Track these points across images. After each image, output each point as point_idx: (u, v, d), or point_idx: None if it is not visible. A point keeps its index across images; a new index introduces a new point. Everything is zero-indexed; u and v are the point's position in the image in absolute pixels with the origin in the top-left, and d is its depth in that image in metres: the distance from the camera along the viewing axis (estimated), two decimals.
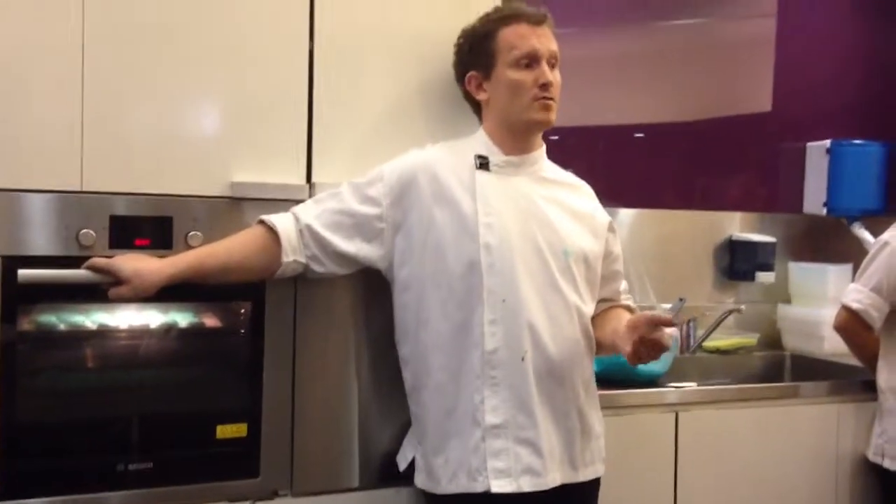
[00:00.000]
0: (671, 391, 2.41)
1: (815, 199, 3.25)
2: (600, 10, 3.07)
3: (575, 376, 1.74)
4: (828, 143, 3.22)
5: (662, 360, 2.53)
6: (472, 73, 1.77)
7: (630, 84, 3.13)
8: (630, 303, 1.92)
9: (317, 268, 1.72)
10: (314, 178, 1.81)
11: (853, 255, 2.98)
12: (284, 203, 1.77)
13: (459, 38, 1.80)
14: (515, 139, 1.76)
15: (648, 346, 1.63)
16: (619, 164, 3.07)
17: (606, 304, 1.88)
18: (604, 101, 3.08)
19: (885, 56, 3.49)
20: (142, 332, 1.71)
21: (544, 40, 1.73)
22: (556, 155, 1.88)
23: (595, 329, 1.82)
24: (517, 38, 1.72)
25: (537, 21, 1.74)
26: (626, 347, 1.65)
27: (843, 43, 3.44)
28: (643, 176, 3.12)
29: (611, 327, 1.79)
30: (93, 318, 1.67)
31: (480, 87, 1.77)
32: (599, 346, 1.82)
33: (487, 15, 1.77)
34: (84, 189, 1.64)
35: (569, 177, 1.87)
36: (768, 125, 3.32)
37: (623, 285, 1.92)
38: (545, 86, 1.71)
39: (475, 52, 1.76)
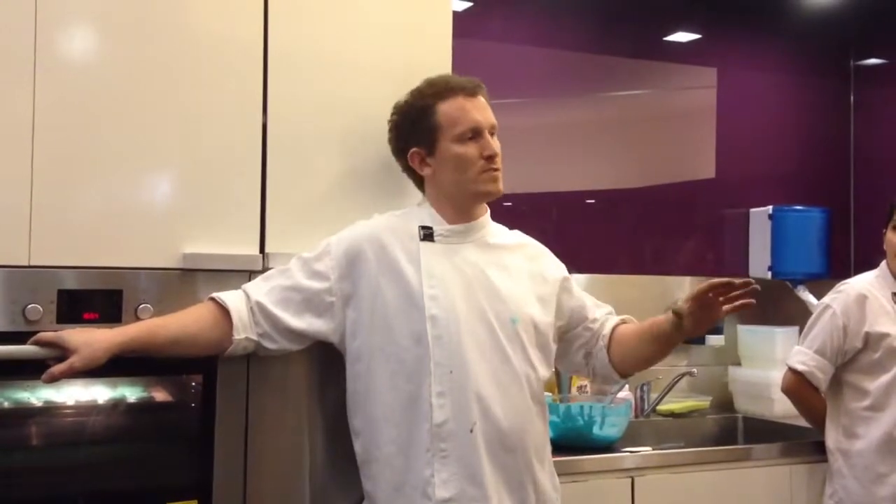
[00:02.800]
0: (627, 456, 2.42)
1: (759, 263, 3.33)
2: (554, 81, 3.17)
3: (527, 444, 1.73)
4: (770, 208, 3.33)
5: (616, 425, 2.55)
6: (414, 149, 1.77)
7: (581, 152, 3.22)
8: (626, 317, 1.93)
9: (269, 345, 1.71)
10: (268, 249, 1.81)
11: (799, 317, 3.05)
12: (238, 274, 1.76)
13: (394, 113, 1.81)
14: (460, 209, 1.78)
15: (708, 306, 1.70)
16: (571, 230, 3.13)
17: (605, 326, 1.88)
18: (556, 168, 3.16)
19: (821, 125, 3.64)
20: (89, 409, 1.68)
21: (484, 112, 1.76)
22: (508, 221, 1.91)
23: (623, 343, 1.84)
24: (457, 112, 1.74)
25: (472, 92, 1.76)
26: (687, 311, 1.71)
27: (780, 112, 3.59)
28: (595, 241, 3.18)
29: (644, 327, 1.84)
30: (38, 394, 1.63)
31: (424, 163, 1.78)
32: (643, 351, 1.84)
33: (421, 90, 1.78)
34: (31, 263, 1.63)
35: (516, 237, 1.88)
36: (713, 191, 3.42)
37: (605, 309, 1.92)
38: (491, 157, 1.74)
39: (416, 128, 1.77)
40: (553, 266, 1.87)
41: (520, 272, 1.80)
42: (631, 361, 1.87)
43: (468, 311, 1.71)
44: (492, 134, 1.76)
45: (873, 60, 3.66)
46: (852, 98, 3.69)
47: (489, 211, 1.85)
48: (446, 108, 1.74)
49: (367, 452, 1.73)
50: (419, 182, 1.84)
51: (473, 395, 1.68)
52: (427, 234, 1.75)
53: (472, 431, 1.67)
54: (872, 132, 3.62)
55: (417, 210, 1.81)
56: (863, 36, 3.67)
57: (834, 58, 3.69)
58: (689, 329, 1.76)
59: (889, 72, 3.62)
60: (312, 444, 1.83)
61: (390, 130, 1.83)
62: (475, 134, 1.74)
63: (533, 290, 1.80)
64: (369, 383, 1.72)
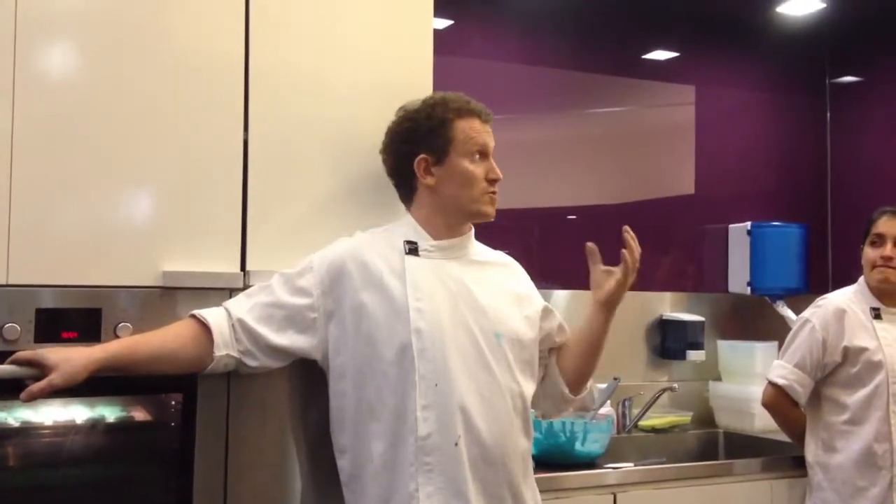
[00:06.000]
0: (609, 472, 2.42)
1: (739, 279, 3.36)
2: (534, 98, 3.19)
3: (509, 459, 1.73)
4: (748, 224, 3.36)
5: (598, 441, 2.55)
6: (423, 155, 1.78)
7: (561, 168, 3.24)
8: None
9: (250, 362, 1.70)
10: (249, 266, 1.81)
11: (778, 332, 3.07)
12: (218, 292, 1.75)
13: (406, 118, 1.81)
14: (448, 226, 1.80)
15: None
16: (553, 246, 3.14)
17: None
18: (537, 184, 3.17)
19: (798, 141, 3.69)
20: (67, 429, 1.66)
21: (491, 137, 1.82)
22: (491, 236, 1.92)
23: (570, 348, 1.90)
24: (473, 131, 1.78)
25: (486, 119, 1.82)
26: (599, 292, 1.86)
27: (757, 129, 3.63)
28: (576, 257, 3.18)
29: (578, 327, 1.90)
30: (15, 415, 1.61)
31: (428, 171, 1.78)
32: (583, 350, 1.89)
33: (439, 103, 1.80)
34: (9, 282, 1.61)
35: (498, 256, 1.90)
36: (692, 207, 3.45)
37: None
38: (494, 181, 1.79)
39: (431, 136, 1.78)
40: (536, 294, 1.90)
41: (503, 290, 1.82)
42: (573, 366, 1.90)
43: (453, 324, 1.71)
44: None
45: (848, 78, 3.72)
46: (828, 115, 3.74)
47: (473, 229, 1.86)
48: (463, 126, 1.78)
49: (355, 469, 1.72)
50: (407, 193, 1.83)
51: (457, 408, 1.68)
52: (412, 249, 1.76)
53: (456, 445, 1.66)
54: (848, 148, 3.67)
55: (400, 226, 1.81)
56: (838, 54, 3.72)
57: (810, 75, 3.74)
58: (603, 291, 1.86)
59: (863, 89, 3.68)
60: (294, 462, 1.81)
61: (398, 132, 1.82)
62: (483, 155, 1.79)
63: (517, 308, 1.81)
64: (357, 399, 1.71)
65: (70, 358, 1.55)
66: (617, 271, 1.86)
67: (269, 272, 1.77)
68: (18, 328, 1.59)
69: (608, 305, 1.88)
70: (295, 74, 1.88)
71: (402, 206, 1.86)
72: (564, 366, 1.90)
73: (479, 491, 1.68)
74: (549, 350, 1.90)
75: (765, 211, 3.49)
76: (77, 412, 1.66)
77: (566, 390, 1.89)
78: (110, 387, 1.63)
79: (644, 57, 3.44)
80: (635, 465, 2.51)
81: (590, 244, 1.88)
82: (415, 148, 1.79)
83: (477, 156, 1.78)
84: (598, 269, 1.89)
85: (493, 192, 1.80)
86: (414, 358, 1.67)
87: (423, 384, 1.67)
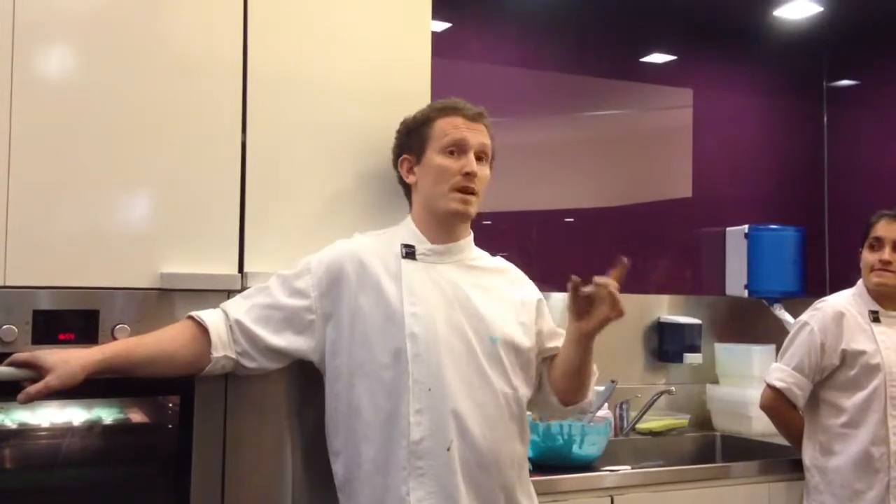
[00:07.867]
0: (606, 475, 2.42)
1: (736, 282, 3.37)
2: (532, 101, 3.20)
3: (504, 465, 1.73)
4: (745, 227, 3.36)
5: (596, 443, 2.55)
6: (405, 156, 1.82)
7: (559, 171, 3.24)
8: None
9: (247, 363, 1.70)
10: (247, 268, 1.80)
11: (775, 335, 3.08)
12: (216, 293, 1.75)
13: (400, 124, 1.85)
14: (440, 227, 1.79)
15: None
16: (550, 249, 3.14)
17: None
18: (535, 186, 3.18)
19: (795, 145, 3.70)
20: (64, 431, 1.65)
21: (476, 134, 1.79)
22: (488, 239, 1.92)
23: (557, 367, 1.82)
24: (450, 127, 1.78)
25: (473, 117, 1.80)
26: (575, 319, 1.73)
27: (755, 133, 3.64)
28: (573, 260, 3.19)
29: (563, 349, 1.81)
30: (13, 416, 1.61)
31: (411, 171, 1.82)
32: (568, 373, 1.80)
33: (429, 105, 1.84)
34: (6, 284, 1.61)
35: (497, 262, 1.89)
36: (690, 210, 3.46)
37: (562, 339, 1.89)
38: (468, 175, 1.75)
39: (411, 136, 1.82)
40: (532, 292, 1.88)
41: (500, 295, 1.81)
42: (560, 380, 1.82)
43: (448, 328, 1.71)
44: (481, 159, 1.78)
45: (845, 82, 3.73)
46: (825, 118, 3.75)
47: (472, 234, 1.86)
48: (442, 123, 1.79)
49: (348, 472, 1.72)
50: (407, 195, 1.86)
51: (450, 412, 1.67)
52: (409, 252, 1.76)
53: (448, 450, 1.66)
54: (845, 152, 3.68)
55: (399, 229, 1.82)
56: (834, 58, 3.73)
57: (807, 79, 3.75)
58: (582, 312, 1.73)
59: (860, 92, 3.68)
60: (291, 465, 1.81)
61: (396, 137, 1.86)
62: (459, 150, 1.76)
63: (514, 314, 1.80)
64: (350, 402, 1.71)
65: (67, 359, 1.54)
66: (602, 305, 1.73)
67: (267, 274, 1.77)
68: (16, 330, 1.59)
69: (590, 335, 1.76)
70: (293, 77, 1.88)
71: (399, 210, 1.87)
72: (554, 383, 1.84)
73: (472, 496, 1.68)
74: (543, 359, 1.86)
75: (762, 214, 3.49)
76: (74, 414, 1.66)
77: (558, 403, 1.85)
78: (107, 389, 1.63)
79: (642, 60, 3.45)
80: (633, 468, 2.51)
81: (574, 278, 1.71)
82: (400, 150, 1.83)
83: (451, 149, 1.76)
84: (580, 297, 1.72)
85: (467, 189, 1.75)
86: (408, 362, 1.67)
87: (416, 388, 1.67)
